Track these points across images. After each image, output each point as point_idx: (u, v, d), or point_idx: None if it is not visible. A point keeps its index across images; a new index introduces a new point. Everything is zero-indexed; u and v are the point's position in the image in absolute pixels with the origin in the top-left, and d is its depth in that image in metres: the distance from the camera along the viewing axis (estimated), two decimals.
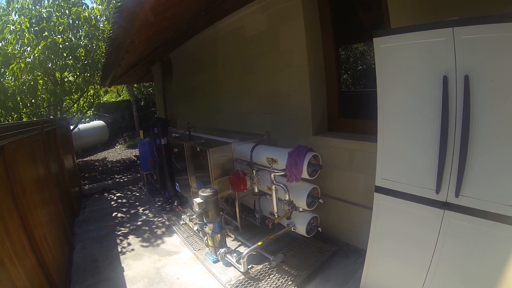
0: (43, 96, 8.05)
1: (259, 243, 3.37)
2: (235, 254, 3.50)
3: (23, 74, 6.93)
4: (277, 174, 3.32)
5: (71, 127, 9.79)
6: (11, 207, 2.63)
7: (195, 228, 4.34)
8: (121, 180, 8.20)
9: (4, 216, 2.45)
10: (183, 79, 7.81)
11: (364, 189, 3.43)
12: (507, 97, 1.77)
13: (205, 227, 3.65)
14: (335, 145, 3.68)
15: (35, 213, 3.19)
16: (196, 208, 3.54)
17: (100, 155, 13.85)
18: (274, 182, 3.35)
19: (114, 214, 5.90)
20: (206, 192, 3.54)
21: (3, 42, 7.34)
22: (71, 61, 7.92)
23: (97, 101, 11.15)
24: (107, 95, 16.25)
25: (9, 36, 7.17)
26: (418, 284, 2.26)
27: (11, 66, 6.70)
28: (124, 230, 5.08)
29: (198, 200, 3.54)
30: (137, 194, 7.14)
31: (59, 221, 4.30)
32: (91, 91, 10.20)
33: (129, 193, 7.28)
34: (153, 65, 9.91)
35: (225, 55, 5.56)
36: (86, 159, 13.02)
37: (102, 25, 8.71)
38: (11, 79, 7.40)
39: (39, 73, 7.51)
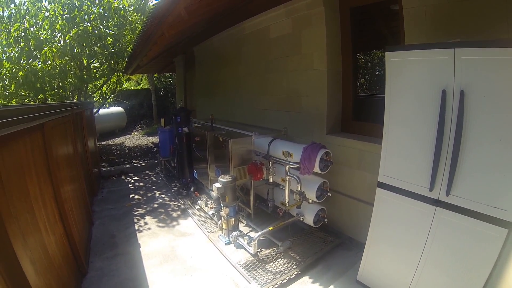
0: (71, 80, 8.60)
1: (270, 228, 3.79)
2: (246, 237, 3.93)
3: (55, 58, 7.44)
4: (291, 166, 3.72)
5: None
6: (47, 180, 2.98)
7: (210, 212, 4.78)
8: (139, 165, 8.73)
9: (42, 187, 2.79)
10: (205, 73, 8.27)
11: (371, 187, 3.74)
12: (496, 111, 2.11)
13: (221, 211, 4.07)
14: (347, 144, 4.05)
15: (65, 188, 3.58)
16: (215, 193, 3.97)
17: (117, 140, 14.49)
18: (288, 174, 3.75)
19: (131, 196, 6.41)
20: (225, 178, 3.97)
21: (35, 27, 7.88)
22: (99, 49, 8.43)
23: (118, 88, 11.71)
24: (127, 82, 16.80)
25: (41, 22, 7.69)
26: (410, 272, 2.63)
27: (43, 50, 7.23)
28: (141, 211, 5.57)
29: (217, 185, 3.97)
30: (154, 179, 7.65)
31: (83, 197, 4.76)
32: (114, 78, 10.79)
33: (146, 177, 7.80)
34: (176, 57, 10.37)
35: (248, 53, 5.97)
36: (104, 143, 13.66)
37: (129, 16, 9.19)
38: (38, 62, 7.93)
39: (68, 58, 8.04)
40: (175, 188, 6.57)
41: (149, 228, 4.83)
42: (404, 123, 2.62)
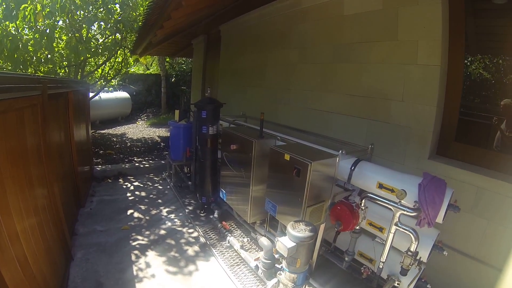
0: (62, 52, 7.21)
1: None
2: None
3: (38, 19, 5.91)
4: (408, 214, 2.38)
5: (91, 94, 9.03)
6: None
7: (253, 264, 3.42)
8: (141, 166, 7.35)
9: None
10: (234, 58, 7.08)
11: (485, 240, 2.87)
12: None
13: (280, 274, 2.67)
14: (458, 177, 2.96)
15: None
16: (284, 253, 2.47)
17: (119, 130, 13.25)
18: (399, 224, 2.41)
19: (129, 211, 5.04)
20: (301, 232, 2.47)
21: None
22: (102, 15, 7.08)
23: (124, 70, 10.38)
24: (135, 67, 15.86)
25: None
26: None
27: (23, 6, 5.67)
28: (142, 240, 4.19)
29: (288, 243, 2.45)
30: (160, 187, 6.26)
31: (53, 215, 3.17)
32: (120, 58, 9.50)
33: (149, 183, 6.42)
34: (195, 38, 9.42)
35: (306, 34, 4.72)
36: (104, 131, 12.41)
37: None
38: (25, 28, 6.55)
39: (61, 23, 6.67)
40: (190, 208, 5.17)
41: (153, 275, 3.46)
42: None
